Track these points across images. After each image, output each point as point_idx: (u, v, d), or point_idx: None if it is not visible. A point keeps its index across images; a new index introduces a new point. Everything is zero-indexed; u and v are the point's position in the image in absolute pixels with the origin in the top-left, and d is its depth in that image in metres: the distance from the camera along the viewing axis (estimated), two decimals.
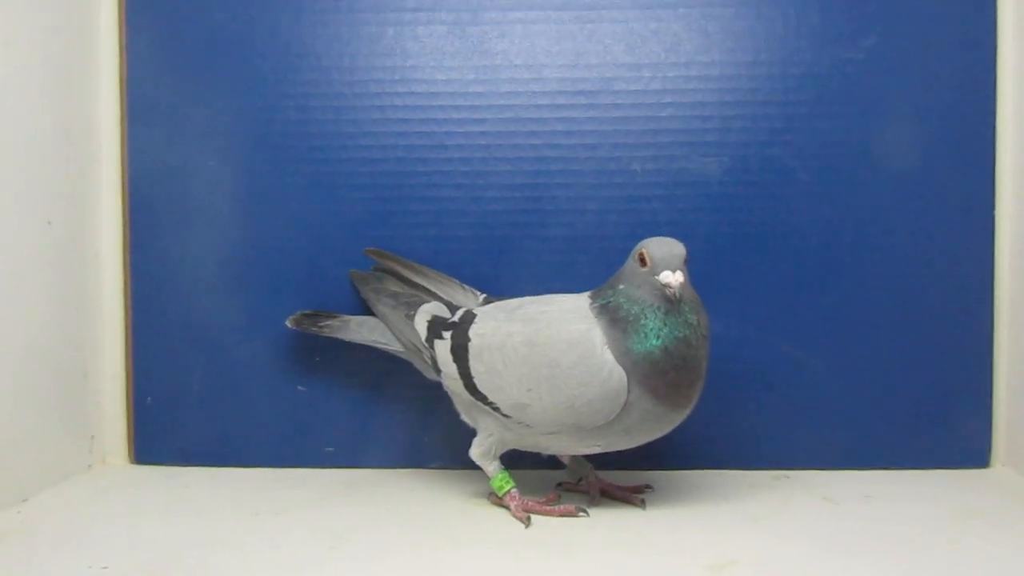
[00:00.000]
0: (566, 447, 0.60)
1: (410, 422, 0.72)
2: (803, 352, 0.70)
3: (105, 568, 0.48)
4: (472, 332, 0.59)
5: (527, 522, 0.57)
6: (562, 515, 0.59)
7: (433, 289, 0.67)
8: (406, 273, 0.68)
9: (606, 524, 0.58)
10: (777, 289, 0.70)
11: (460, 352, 0.59)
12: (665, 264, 0.55)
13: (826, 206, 0.70)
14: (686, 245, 0.57)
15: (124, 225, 0.73)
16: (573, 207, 0.70)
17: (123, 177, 0.72)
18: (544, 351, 0.56)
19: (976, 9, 0.69)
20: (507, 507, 0.59)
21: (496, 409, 0.58)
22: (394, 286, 0.67)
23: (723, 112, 0.70)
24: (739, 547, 0.54)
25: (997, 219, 0.70)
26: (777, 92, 0.70)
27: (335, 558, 0.51)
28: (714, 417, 0.69)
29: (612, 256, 0.68)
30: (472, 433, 0.63)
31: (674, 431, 0.59)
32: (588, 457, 0.64)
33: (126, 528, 0.56)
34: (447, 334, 0.61)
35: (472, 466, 0.62)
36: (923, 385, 0.70)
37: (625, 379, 0.54)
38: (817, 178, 0.70)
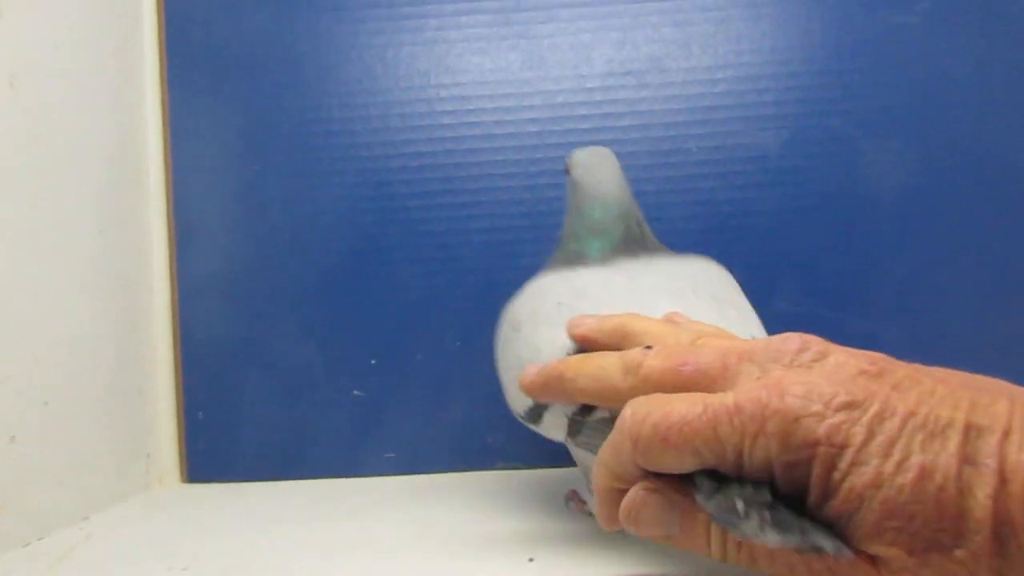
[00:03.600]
0: None
1: (473, 423, 0.69)
2: (876, 326, 0.67)
3: (185, 569, 0.45)
4: None
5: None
6: None
7: None
8: None
9: None
10: (849, 262, 0.67)
11: None
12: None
13: (891, 174, 0.68)
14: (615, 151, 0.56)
15: (170, 238, 0.71)
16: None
17: (168, 193, 0.71)
18: None
19: None
20: None
21: None
22: None
23: (777, 84, 0.68)
24: None
25: None
26: (832, 60, 0.68)
27: (413, 558, 0.47)
28: None
29: (673, 237, 0.66)
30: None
31: None
32: None
33: (191, 540, 0.52)
34: None
35: (539, 463, 0.59)
36: None
37: None
38: (879, 146, 0.68)
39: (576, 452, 0.50)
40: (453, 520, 0.54)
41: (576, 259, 0.51)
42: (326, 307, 0.69)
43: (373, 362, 0.69)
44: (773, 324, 0.46)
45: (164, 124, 0.71)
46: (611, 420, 0.33)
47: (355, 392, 0.69)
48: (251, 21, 0.71)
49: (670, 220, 0.68)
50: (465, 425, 0.69)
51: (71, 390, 0.58)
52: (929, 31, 0.68)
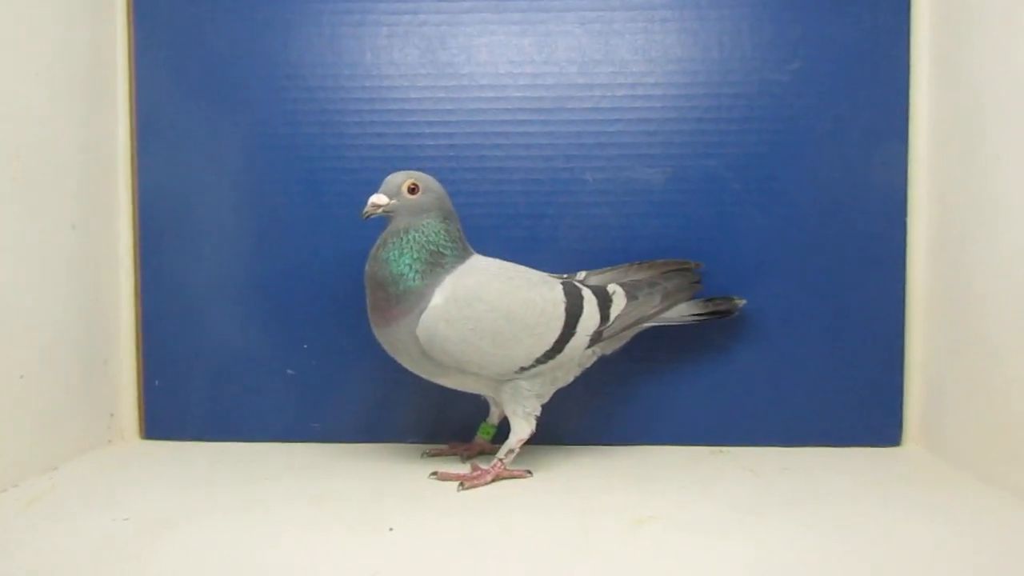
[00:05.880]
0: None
1: (386, 402, 0.81)
2: (733, 343, 0.79)
3: (126, 519, 0.57)
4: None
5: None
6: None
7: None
8: None
9: (549, 486, 0.68)
10: (713, 286, 0.78)
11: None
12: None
13: (756, 212, 0.79)
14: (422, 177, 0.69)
15: (134, 231, 0.82)
16: (532, 212, 0.79)
17: (134, 188, 0.82)
18: None
19: (891, 35, 0.78)
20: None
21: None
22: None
23: (665, 128, 0.79)
24: (665, 507, 0.62)
25: (909, 215, 0.78)
26: (712, 110, 0.78)
27: (317, 516, 0.60)
28: (657, 398, 0.79)
29: (567, 257, 0.78)
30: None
31: (625, 408, 0.74)
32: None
33: (141, 491, 0.65)
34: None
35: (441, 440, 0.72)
36: (841, 370, 0.79)
37: None
38: (747, 187, 0.79)
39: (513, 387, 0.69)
40: (350, 488, 0.66)
41: (468, 250, 0.70)
42: (270, 300, 0.81)
43: (305, 346, 0.81)
44: None
45: (131, 132, 0.81)
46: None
47: (288, 371, 0.81)
48: (220, 31, 0.80)
49: (564, 240, 0.79)
50: (381, 404, 0.81)
51: (44, 363, 0.70)
52: (797, 89, 0.78)
